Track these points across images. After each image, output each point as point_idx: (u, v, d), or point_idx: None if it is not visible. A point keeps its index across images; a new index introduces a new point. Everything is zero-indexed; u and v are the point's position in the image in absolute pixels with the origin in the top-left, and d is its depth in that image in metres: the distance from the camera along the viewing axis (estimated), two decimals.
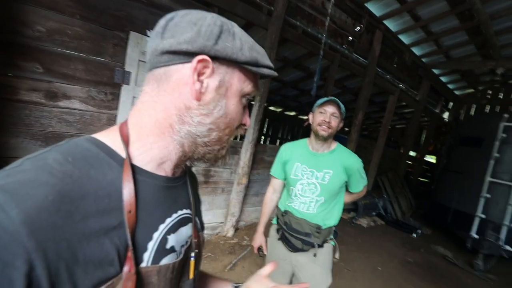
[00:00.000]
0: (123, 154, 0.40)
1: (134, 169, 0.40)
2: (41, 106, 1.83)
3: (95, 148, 0.38)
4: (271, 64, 0.46)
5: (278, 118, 9.17)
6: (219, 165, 2.54)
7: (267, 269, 0.61)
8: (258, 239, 1.58)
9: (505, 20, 4.20)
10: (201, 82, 0.41)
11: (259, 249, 1.60)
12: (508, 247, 3.70)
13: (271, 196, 1.59)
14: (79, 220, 0.32)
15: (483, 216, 4.04)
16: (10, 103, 1.73)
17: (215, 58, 0.41)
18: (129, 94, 2.16)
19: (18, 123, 1.77)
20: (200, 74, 0.41)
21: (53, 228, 0.29)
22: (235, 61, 0.42)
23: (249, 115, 0.51)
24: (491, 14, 3.96)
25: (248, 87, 0.46)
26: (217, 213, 3.22)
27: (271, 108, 8.67)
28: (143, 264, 0.39)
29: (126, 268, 0.36)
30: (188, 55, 0.40)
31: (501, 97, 7.47)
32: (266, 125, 8.89)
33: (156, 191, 0.43)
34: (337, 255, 1.55)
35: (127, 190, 0.37)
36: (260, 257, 1.83)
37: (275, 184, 1.57)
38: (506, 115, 4.03)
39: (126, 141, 0.41)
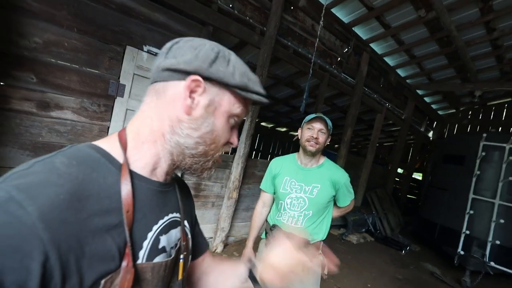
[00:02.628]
0: (121, 159, 0.44)
1: (131, 173, 0.44)
2: (32, 115, 1.82)
3: (96, 154, 0.42)
4: (262, 91, 0.50)
5: (269, 134, 9.27)
6: (206, 177, 2.56)
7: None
8: (248, 255, 1.57)
9: (479, 47, 4.54)
10: (193, 98, 0.45)
11: None
12: (493, 264, 3.77)
13: (261, 210, 1.60)
14: (86, 218, 0.35)
15: (468, 232, 4.13)
16: (1, 112, 1.72)
17: (208, 80, 0.45)
18: (123, 106, 2.18)
19: (8, 132, 1.75)
20: (192, 91, 0.45)
21: (65, 224, 0.33)
22: (226, 84, 0.46)
23: (238, 137, 0.55)
24: (466, 41, 4.28)
25: (237, 109, 0.50)
26: (207, 228, 3.17)
27: (263, 123, 8.79)
28: (139, 261, 0.42)
29: (124, 263, 0.39)
30: (184, 73, 0.44)
31: (480, 117, 7.87)
32: (257, 140, 8.96)
33: (150, 194, 0.47)
34: (325, 271, 1.55)
35: (125, 192, 0.41)
36: None
37: (265, 198, 1.59)
38: (484, 135, 4.24)
39: (124, 148, 0.45)
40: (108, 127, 2.14)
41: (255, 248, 1.59)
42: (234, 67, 0.47)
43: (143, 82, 2.23)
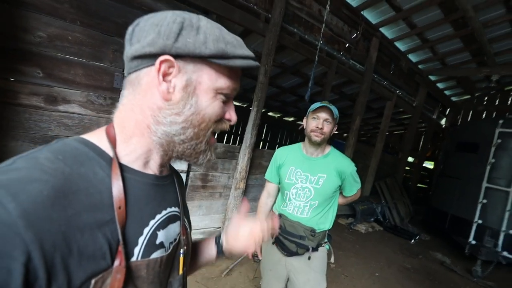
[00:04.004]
0: (110, 153, 0.41)
1: (122, 167, 0.42)
2: (41, 110, 1.86)
3: (84, 147, 0.40)
4: (247, 53, 0.44)
5: (277, 124, 9.22)
6: (202, 163, 2.57)
7: (242, 210, 0.66)
8: None
9: (497, 29, 4.29)
10: (168, 82, 0.42)
11: (254, 254, 1.60)
12: (506, 254, 3.69)
13: (266, 201, 1.60)
14: (73, 214, 0.33)
15: (480, 222, 4.04)
16: (10, 107, 1.75)
17: (178, 57, 0.41)
18: None
19: (18, 126, 1.79)
20: (165, 74, 0.41)
21: (48, 221, 0.31)
22: (200, 56, 0.41)
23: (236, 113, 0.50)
24: (484, 22, 4.04)
25: (221, 82, 0.45)
26: (215, 218, 3.22)
27: (270, 113, 8.72)
28: (133, 258, 0.41)
29: (116, 262, 0.37)
30: (152, 57, 0.40)
31: (497, 103, 7.55)
32: (264, 130, 8.93)
33: (145, 188, 0.45)
34: (332, 259, 1.56)
35: (116, 187, 0.39)
36: (255, 262, 1.84)
37: (270, 188, 1.58)
38: (501, 121, 4.07)
39: (113, 141, 0.42)
40: None
41: None
42: (205, 33, 0.41)
43: None
